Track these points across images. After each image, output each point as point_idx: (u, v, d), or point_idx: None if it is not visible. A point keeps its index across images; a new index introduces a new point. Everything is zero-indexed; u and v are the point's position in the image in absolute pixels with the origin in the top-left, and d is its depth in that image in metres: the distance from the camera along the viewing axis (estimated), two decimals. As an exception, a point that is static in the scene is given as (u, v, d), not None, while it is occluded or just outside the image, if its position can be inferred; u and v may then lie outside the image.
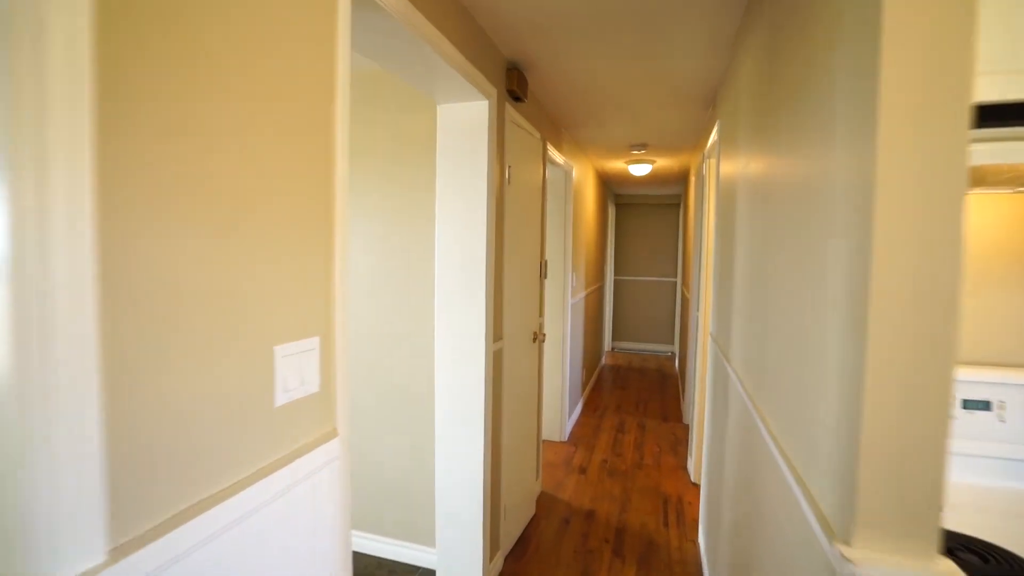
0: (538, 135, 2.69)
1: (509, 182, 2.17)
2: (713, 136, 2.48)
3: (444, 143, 1.93)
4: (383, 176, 2.19)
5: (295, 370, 0.85)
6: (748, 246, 1.49)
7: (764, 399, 1.20)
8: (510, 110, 2.17)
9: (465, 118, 1.90)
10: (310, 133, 0.87)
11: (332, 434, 0.95)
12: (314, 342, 0.90)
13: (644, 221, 7.36)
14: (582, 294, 4.44)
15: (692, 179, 4.25)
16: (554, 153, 3.11)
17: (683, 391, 4.61)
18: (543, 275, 2.77)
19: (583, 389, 4.75)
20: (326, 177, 0.92)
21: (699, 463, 3.04)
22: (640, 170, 4.48)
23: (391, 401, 2.23)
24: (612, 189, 6.78)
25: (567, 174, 3.67)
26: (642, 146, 3.83)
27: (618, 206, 7.47)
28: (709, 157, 2.85)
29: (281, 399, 0.82)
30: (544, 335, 2.71)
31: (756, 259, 1.37)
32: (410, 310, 2.16)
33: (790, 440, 0.93)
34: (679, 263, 7.07)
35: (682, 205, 6.21)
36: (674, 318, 7.24)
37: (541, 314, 2.81)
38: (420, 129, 2.13)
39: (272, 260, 0.80)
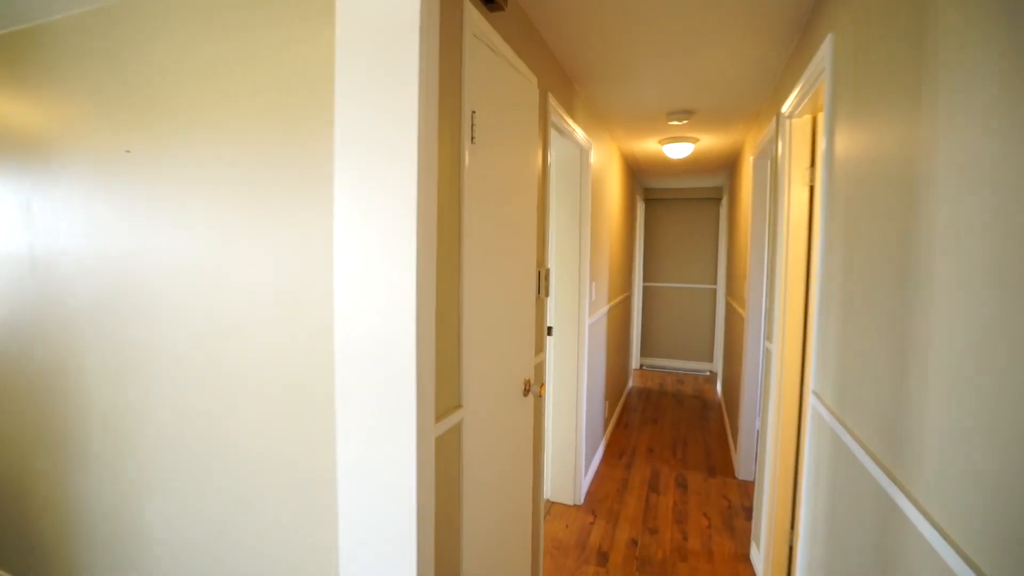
0: (534, 80, 1.79)
1: (474, 140, 1.28)
2: (814, 78, 1.53)
3: (346, 65, 1.04)
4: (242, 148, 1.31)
5: None
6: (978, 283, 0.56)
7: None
8: (476, 18, 1.28)
9: (380, 17, 1.01)
10: None
11: None
12: None
13: (678, 219, 6.36)
14: (604, 309, 3.51)
15: (746, 161, 3.28)
16: (563, 117, 2.20)
17: (734, 433, 3.63)
18: (542, 292, 1.87)
19: (605, 426, 3.81)
20: None
21: (775, 559, 2.08)
22: (679, 151, 3.52)
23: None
24: (641, 181, 5.81)
25: (583, 152, 2.76)
26: (685, 114, 2.88)
27: (648, 202, 6.49)
28: (795, 114, 1.90)
29: None
30: (543, 386, 1.79)
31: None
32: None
33: None
34: (720, 269, 6.05)
35: (725, 199, 5.21)
36: (713, 332, 6.22)
37: (540, 350, 1.91)
38: (308, 53, 1.23)
39: None
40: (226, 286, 1.30)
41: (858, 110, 1.16)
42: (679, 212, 6.36)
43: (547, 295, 1.91)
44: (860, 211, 1.12)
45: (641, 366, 6.46)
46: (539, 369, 1.92)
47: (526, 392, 1.68)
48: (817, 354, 1.44)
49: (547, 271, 1.91)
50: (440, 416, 1.17)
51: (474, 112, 1.27)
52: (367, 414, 1.03)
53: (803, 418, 1.98)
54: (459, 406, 1.26)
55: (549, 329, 2.87)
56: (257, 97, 1.23)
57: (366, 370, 1.02)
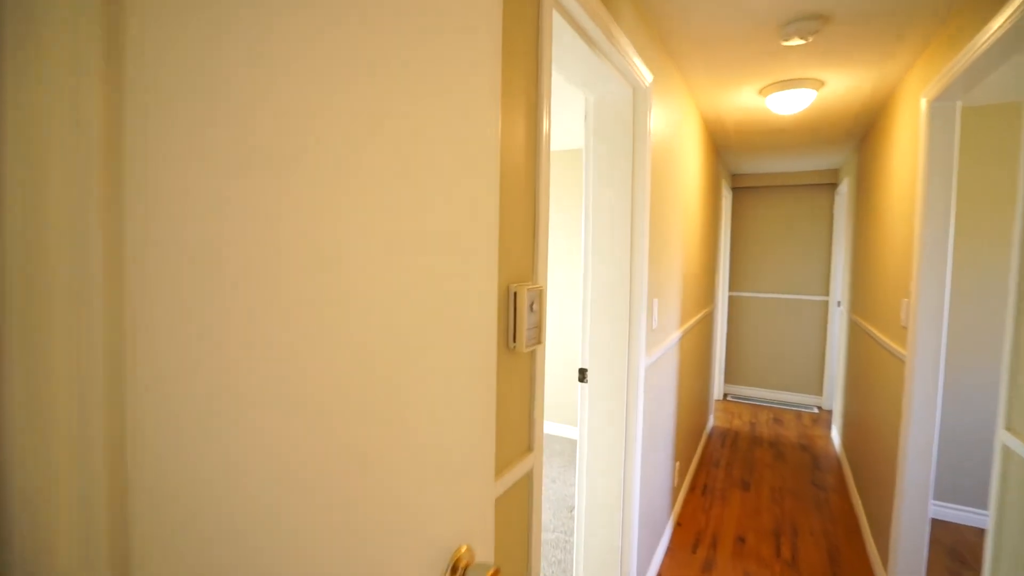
0: None
1: None
2: None
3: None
4: None
5: None
6: None
7: None
8: None
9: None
10: None
11: None
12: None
13: (775, 212, 5.02)
14: (674, 337, 2.43)
15: (905, 111, 2.06)
16: (594, 11, 1.20)
17: (877, 519, 2.39)
18: (520, 337, 0.88)
19: (673, 497, 2.72)
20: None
21: None
22: (791, 103, 2.36)
23: None
24: (726, 163, 4.58)
25: (639, 93, 1.73)
26: (813, 21, 1.75)
27: (735, 191, 5.21)
28: None
29: None
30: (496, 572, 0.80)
31: None
32: None
33: None
34: (836, 276, 4.65)
35: (848, 183, 3.86)
36: (823, 356, 4.81)
37: (516, 459, 0.92)
38: None
39: None
40: None
41: None
42: (777, 203, 5.01)
43: (539, 342, 0.93)
44: None
45: (725, 396, 5.18)
46: (515, 497, 0.94)
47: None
48: None
49: (537, 292, 0.92)
50: None
51: None
52: None
53: None
54: None
55: (581, 372, 1.86)
56: None
57: None
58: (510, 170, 0.87)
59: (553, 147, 3.98)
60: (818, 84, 2.28)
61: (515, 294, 0.86)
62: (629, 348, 1.78)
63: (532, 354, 0.95)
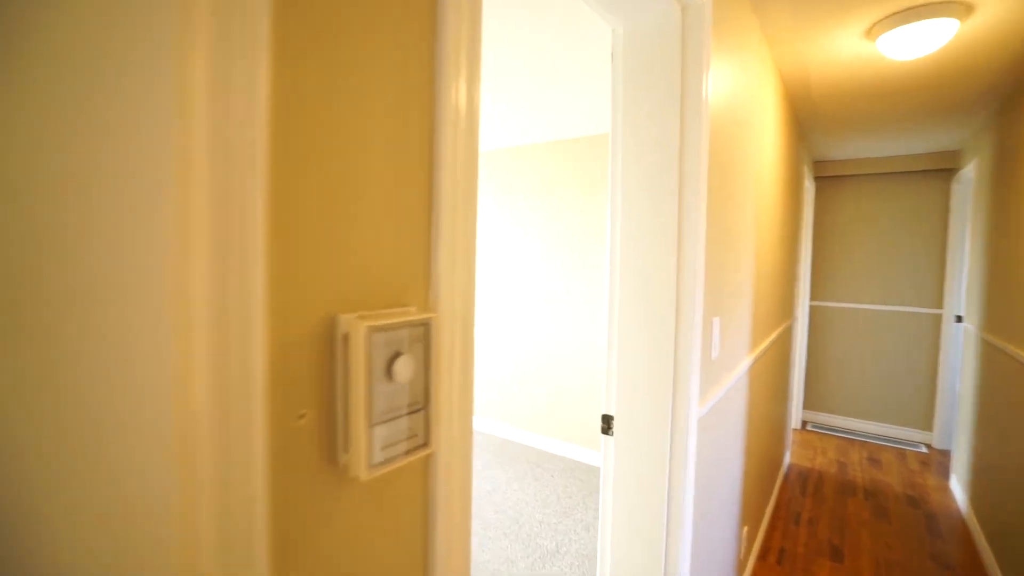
0: None
1: None
2: None
3: None
4: None
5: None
6: None
7: None
8: None
9: None
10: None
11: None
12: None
13: (871, 207, 4.16)
14: (744, 365, 1.81)
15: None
16: None
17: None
18: (338, 452, 0.38)
19: (739, 572, 2.08)
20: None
21: None
22: (917, 41, 1.68)
23: None
24: (809, 146, 3.81)
25: (690, 10, 1.17)
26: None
27: (819, 181, 4.39)
28: None
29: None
30: None
31: None
32: None
33: None
34: (956, 284, 3.74)
35: (981, 167, 3.01)
36: (935, 382, 3.90)
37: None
38: None
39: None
40: None
41: None
42: (873, 195, 4.15)
43: (424, 446, 0.42)
44: None
45: (805, 425, 4.36)
46: None
47: None
48: None
49: (420, 330, 0.41)
50: None
51: None
52: None
53: None
54: None
55: (605, 421, 1.32)
56: None
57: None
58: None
59: (572, 133, 3.42)
60: (963, 11, 1.59)
61: (346, 336, 0.36)
62: (675, 391, 1.22)
63: (406, 488, 0.44)
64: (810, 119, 3.02)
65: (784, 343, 3.11)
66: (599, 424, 3.50)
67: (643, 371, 1.24)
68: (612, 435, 1.31)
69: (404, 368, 0.38)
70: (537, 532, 2.64)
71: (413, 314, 0.40)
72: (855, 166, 4.16)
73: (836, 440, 4.01)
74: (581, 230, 3.58)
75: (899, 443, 3.95)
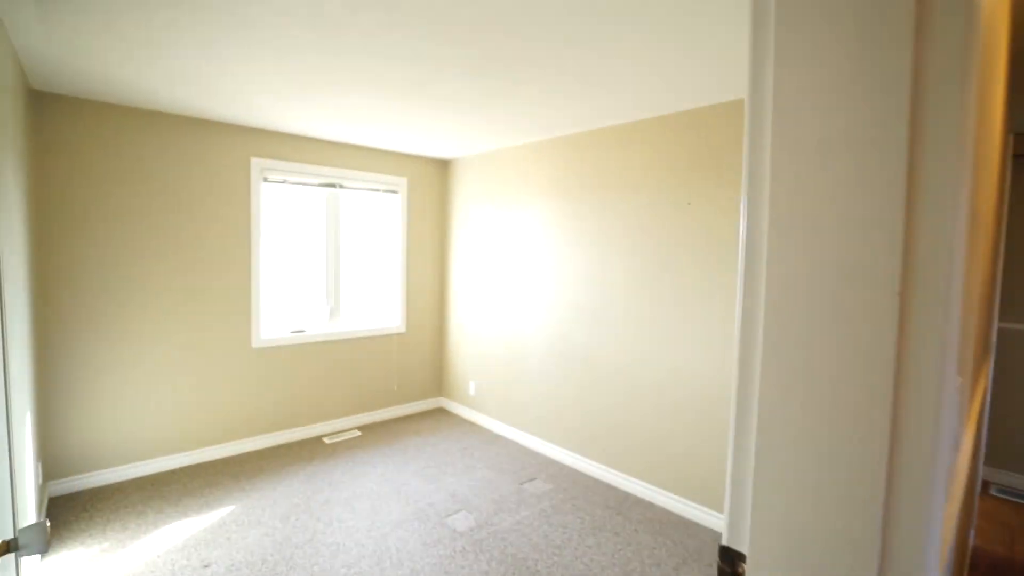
0: None
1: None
2: None
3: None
4: None
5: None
6: None
7: None
8: None
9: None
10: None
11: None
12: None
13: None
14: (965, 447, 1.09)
15: None
16: None
17: None
18: None
19: None
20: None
21: None
22: None
23: None
24: (1014, 112, 2.76)
25: None
26: None
27: (1018, 160, 3.25)
28: None
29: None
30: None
31: None
32: None
33: None
34: None
35: None
36: None
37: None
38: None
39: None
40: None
41: None
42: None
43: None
44: None
45: (988, 488, 3.27)
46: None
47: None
48: None
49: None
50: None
51: None
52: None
53: None
54: None
55: (725, 556, 0.71)
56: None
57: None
58: None
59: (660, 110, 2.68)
60: None
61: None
62: (884, 530, 0.59)
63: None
64: (1036, 65, 2.07)
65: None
66: (696, 469, 2.79)
67: (811, 474, 0.62)
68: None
69: None
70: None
71: None
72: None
73: (1038, 514, 2.92)
74: (682, 230, 2.88)
75: None
